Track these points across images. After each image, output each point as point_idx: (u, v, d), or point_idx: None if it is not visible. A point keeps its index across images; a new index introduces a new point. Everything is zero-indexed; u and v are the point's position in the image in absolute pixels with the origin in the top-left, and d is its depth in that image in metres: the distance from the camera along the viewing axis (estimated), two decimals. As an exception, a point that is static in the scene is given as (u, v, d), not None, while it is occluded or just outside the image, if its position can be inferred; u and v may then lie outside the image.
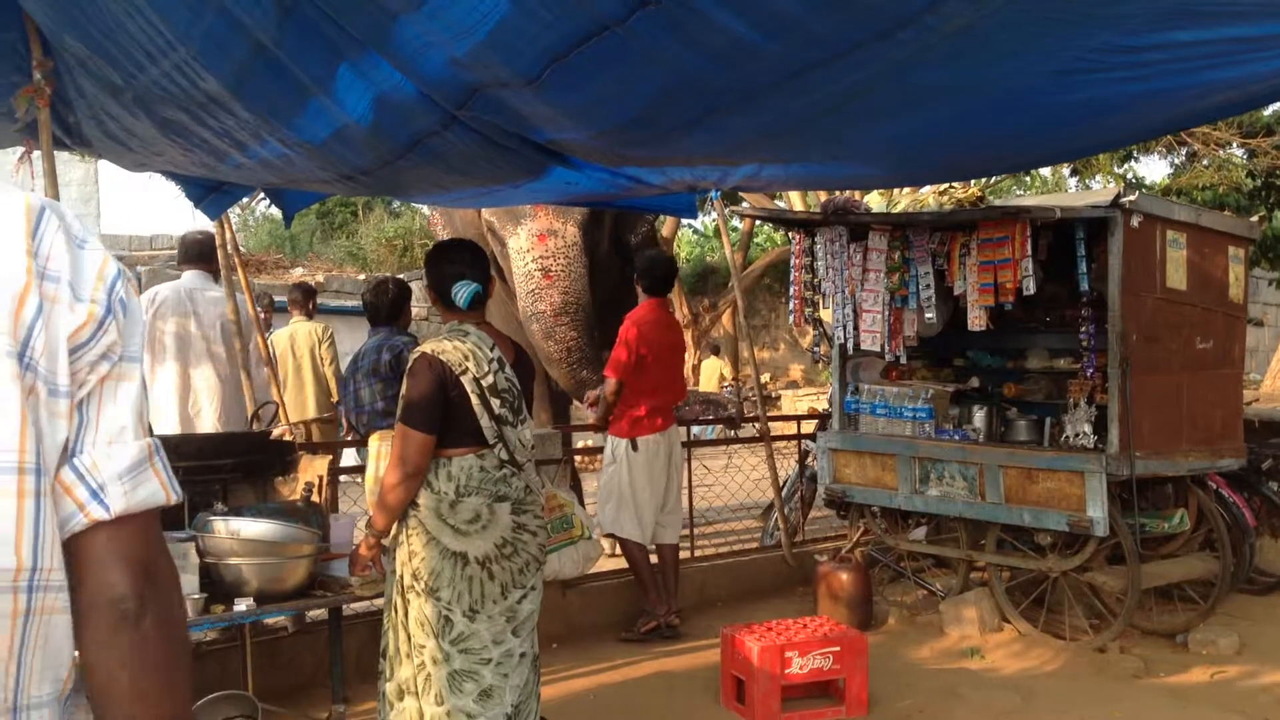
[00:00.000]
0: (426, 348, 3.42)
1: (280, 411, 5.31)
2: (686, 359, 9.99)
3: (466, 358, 3.37)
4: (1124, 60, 2.34)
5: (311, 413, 7.83)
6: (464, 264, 3.54)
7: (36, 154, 3.36)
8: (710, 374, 17.78)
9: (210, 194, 4.77)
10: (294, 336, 8.12)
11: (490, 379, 3.38)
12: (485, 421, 3.36)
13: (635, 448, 5.87)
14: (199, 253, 5.62)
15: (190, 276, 5.59)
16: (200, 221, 5.73)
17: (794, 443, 7.84)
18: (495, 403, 3.38)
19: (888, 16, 2.11)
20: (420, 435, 3.33)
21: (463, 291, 3.46)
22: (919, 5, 2.03)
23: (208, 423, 5.45)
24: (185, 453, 4.24)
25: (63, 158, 4.04)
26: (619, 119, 2.90)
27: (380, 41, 2.56)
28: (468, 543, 3.35)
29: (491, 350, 3.44)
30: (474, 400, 3.35)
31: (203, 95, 3.05)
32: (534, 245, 6.77)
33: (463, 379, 3.34)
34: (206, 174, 4.28)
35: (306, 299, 8.45)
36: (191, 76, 2.92)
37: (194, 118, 3.26)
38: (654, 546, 6.04)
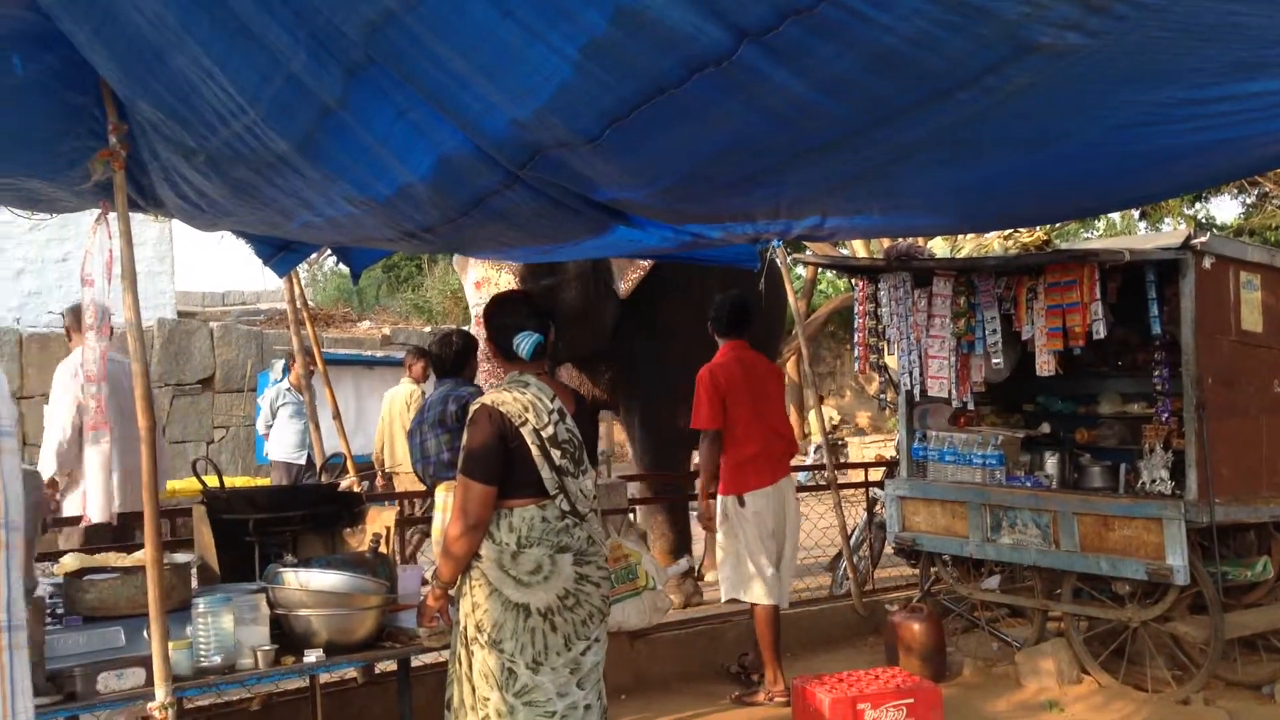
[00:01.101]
0: (486, 399, 3.44)
1: (348, 463, 5.36)
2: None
3: (526, 409, 3.38)
4: (1191, 112, 2.31)
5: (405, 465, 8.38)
6: (523, 315, 3.58)
7: (112, 215, 3.45)
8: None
9: (279, 252, 4.86)
10: (394, 398, 9.54)
11: (550, 430, 3.39)
12: (546, 473, 3.36)
13: (742, 504, 5.58)
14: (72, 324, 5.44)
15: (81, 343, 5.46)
16: (269, 278, 5.82)
17: (861, 490, 7.76)
18: (556, 454, 3.38)
19: (949, 78, 2.10)
20: (481, 487, 3.34)
21: (525, 343, 3.49)
22: (980, 67, 2.03)
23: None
24: (257, 504, 4.30)
25: (138, 218, 4.16)
26: (678, 177, 2.92)
27: (443, 103, 2.61)
28: (530, 594, 3.34)
29: (552, 401, 3.45)
30: (534, 451, 3.35)
31: (272, 155, 3.12)
32: (473, 292, 6.91)
33: (523, 430, 3.35)
34: (275, 233, 4.37)
35: (415, 361, 9.57)
36: (261, 138, 2.99)
37: (263, 178, 3.34)
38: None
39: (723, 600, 5.81)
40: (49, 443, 5.20)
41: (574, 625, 3.39)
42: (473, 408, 3.46)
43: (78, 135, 3.25)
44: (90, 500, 3.68)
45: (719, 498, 5.65)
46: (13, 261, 13.46)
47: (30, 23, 2.80)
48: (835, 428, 18.64)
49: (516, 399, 3.40)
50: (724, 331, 5.78)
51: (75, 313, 5.53)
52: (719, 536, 5.70)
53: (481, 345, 5.49)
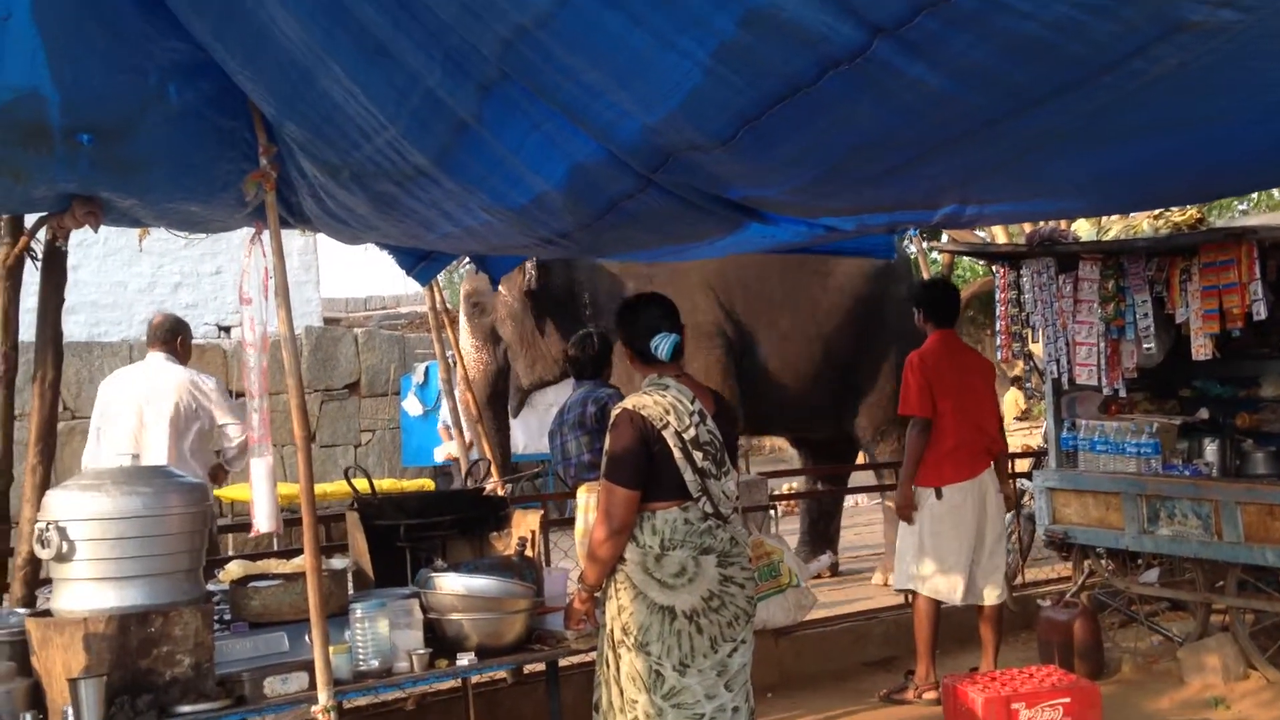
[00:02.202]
0: (628, 403, 3.46)
1: (493, 468, 5.47)
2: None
3: (667, 411, 3.38)
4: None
5: None
6: (659, 316, 3.58)
7: (265, 234, 3.59)
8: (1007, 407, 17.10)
9: (420, 262, 4.98)
10: None
11: (692, 432, 3.38)
12: (689, 475, 3.36)
13: (939, 496, 5.41)
14: (160, 335, 5.60)
15: (151, 357, 5.61)
16: (409, 283, 5.95)
17: (1009, 481, 7.56)
18: (698, 455, 3.37)
19: (1093, 63, 2.03)
20: (624, 491, 3.36)
21: (664, 344, 3.48)
22: (1126, 50, 1.95)
23: None
24: (408, 509, 4.42)
25: (285, 232, 4.31)
26: (812, 175, 2.89)
27: (576, 113, 2.64)
28: (675, 596, 3.35)
29: (692, 403, 3.44)
30: (677, 454, 3.35)
31: (411, 169, 3.20)
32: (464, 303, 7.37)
33: (664, 433, 3.35)
34: (415, 244, 4.48)
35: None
36: (401, 152, 3.08)
37: (404, 190, 3.43)
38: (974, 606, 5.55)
39: (895, 589, 5.73)
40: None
41: (720, 627, 3.38)
42: (614, 412, 3.48)
43: (230, 159, 3.38)
44: (258, 510, 3.83)
45: (919, 489, 5.50)
46: (171, 276, 14.11)
47: (184, 54, 2.93)
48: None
49: (657, 402, 3.41)
50: (936, 320, 5.61)
51: (160, 327, 5.66)
52: (902, 526, 5.59)
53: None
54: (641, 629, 3.34)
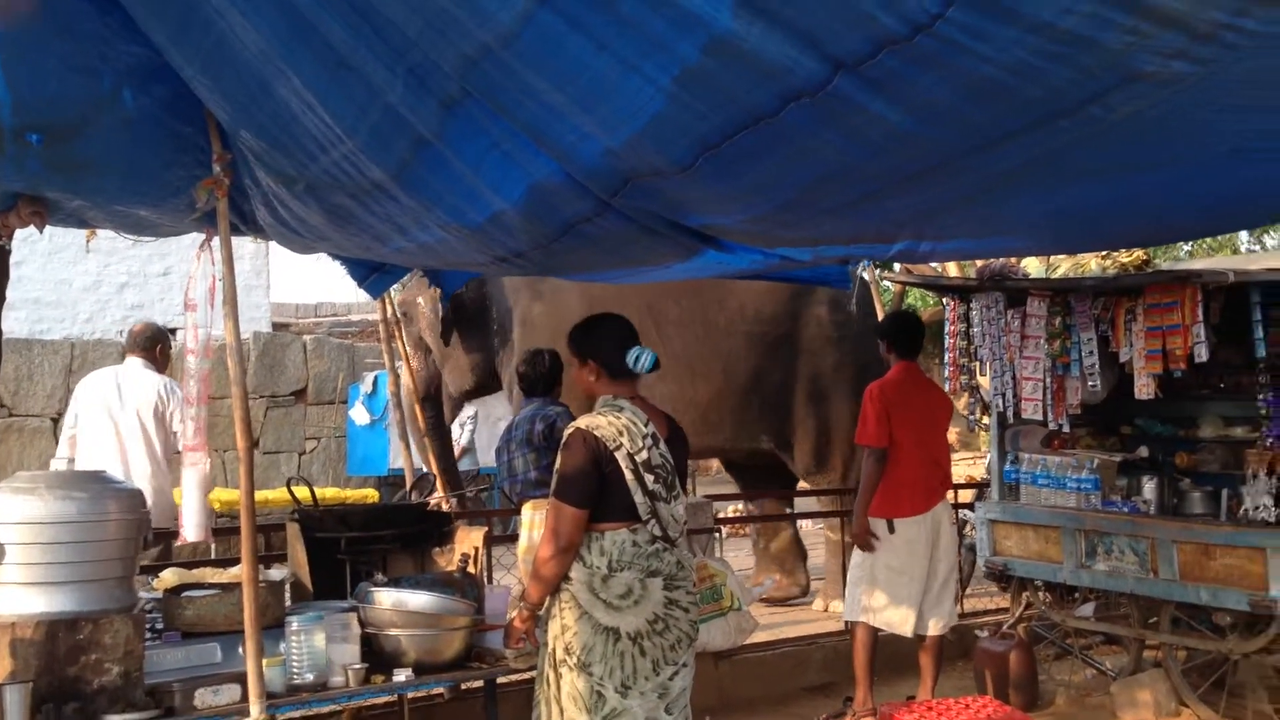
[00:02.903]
0: (581, 422, 3.44)
1: (439, 483, 5.43)
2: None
3: (621, 433, 3.37)
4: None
5: None
6: (629, 332, 3.57)
7: (215, 241, 3.54)
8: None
9: (372, 274, 4.94)
10: None
11: (644, 454, 3.38)
12: (639, 497, 3.35)
13: (892, 529, 5.39)
14: (140, 343, 5.68)
15: (129, 363, 5.65)
16: (361, 291, 5.91)
17: (952, 513, 7.62)
18: (649, 478, 3.37)
19: (1050, 107, 2.06)
20: (573, 510, 3.34)
21: (644, 357, 3.47)
22: (1082, 96, 1.98)
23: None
24: (350, 523, 4.37)
25: (236, 238, 4.27)
26: (771, 205, 2.90)
27: (537, 133, 2.63)
28: (620, 618, 3.34)
29: (646, 425, 3.43)
30: (628, 475, 3.34)
31: (368, 183, 3.17)
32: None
33: (617, 454, 3.34)
34: (369, 256, 4.44)
35: None
36: (358, 166, 3.05)
37: (360, 204, 3.40)
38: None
39: (845, 620, 5.69)
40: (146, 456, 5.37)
41: (663, 650, 3.37)
42: (567, 431, 3.47)
43: (184, 164, 3.34)
44: (186, 520, 3.78)
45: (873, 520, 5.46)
46: (117, 276, 13.90)
47: (140, 57, 2.89)
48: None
49: (611, 423, 3.40)
50: (900, 352, 5.60)
51: (141, 335, 5.67)
52: (854, 556, 5.57)
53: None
54: (585, 649, 3.32)
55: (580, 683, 3.32)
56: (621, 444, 3.36)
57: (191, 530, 3.74)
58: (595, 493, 3.34)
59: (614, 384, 3.53)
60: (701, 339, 7.48)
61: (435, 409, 8.89)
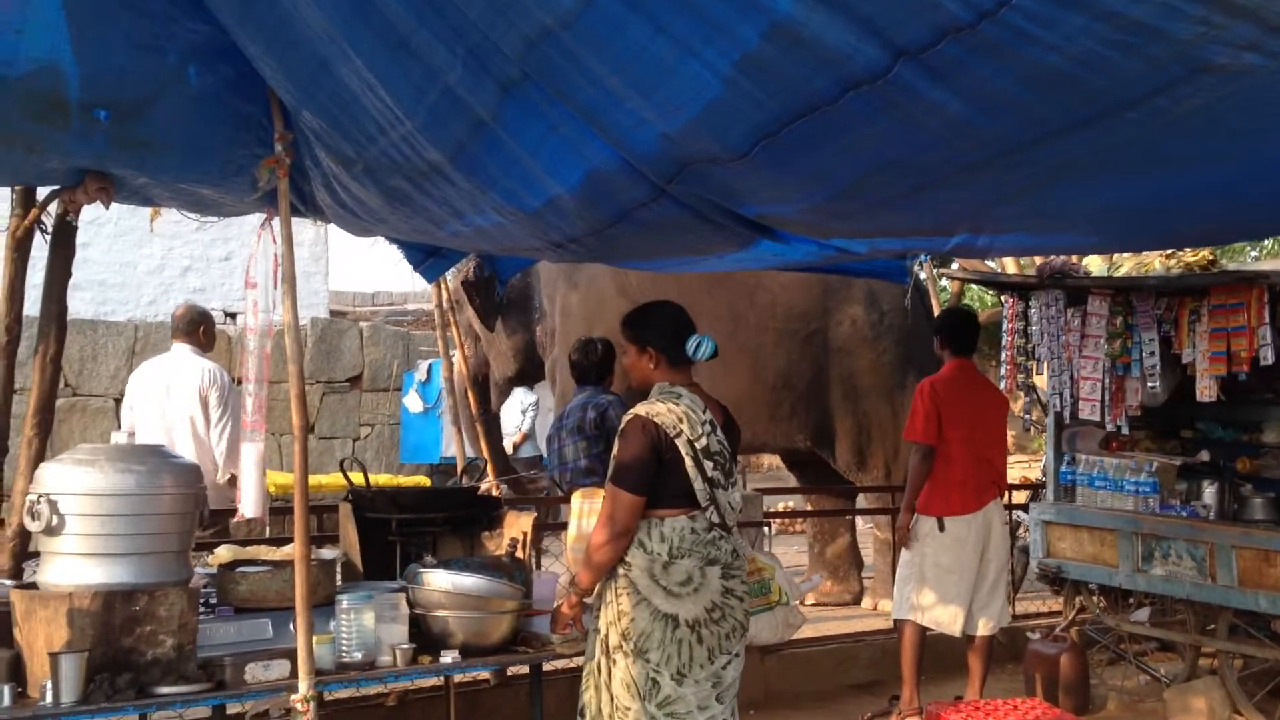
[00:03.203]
0: (640, 409, 3.44)
1: (489, 468, 5.46)
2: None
3: (681, 420, 3.37)
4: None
5: None
6: (686, 319, 3.57)
7: (276, 220, 3.58)
8: None
9: (429, 259, 4.98)
10: None
11: (704, 441, 3.39)
12: (698, 484, 3.36)
13: (942, 528, 5.32)
14: (182, 327, 5.69)
15: (175, 349, 5.68)
16: (417, 280, 5.95)
17: (1005, 513, 7.54)
18: (708, 465, 3.38)
19: (1116, 98, 2.03)
20: (630, 497, 3.35)
21: (705, 345, 3.48)
22: (1149, 87, 1.95)
23: None
24: (402, 504, 4.41)
25: (296, 221, 4.31)
26: (827, 194, 2.88)
27: (594, 118, 2.63)
28: (679, 605, 3.34)
29: (704, 413, 3.45)
30: (688, 462, 3.35)
31: (425, 165, 3.20)
32: None
33: (677, 441, 3.35)
34: (425, 240, 4.47)
35: None
36: (416, 148, 3.07)
37: (417, 187, 3.42)
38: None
39: (893, 619, 5.62)
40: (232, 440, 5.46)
41: (719, 638, 3.38)
42: (626, 418, 3.47)
43: (246, 144, 3.38)
44: (245, 496, 3.82)
45: (916, 516, 5.42)
46: (180, 259, 14.10)
47: (206, 35, 2.93)
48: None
49: (671, 410, 3.40)
50: (954, 349, 5.54)
51: (183, 319, 5.72)
52: (903, 554, 5.53)
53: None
54: (642, 635, 3.33)
55: (635, 669, 3.33)
56: (682, 430, 3.36)
57: (249, 506, 3.78)
58: (652, 480, 3.35)
59: (672, 371, 3.54)
60: (731, 334, 7.40)
61: (482, 395, 9.00)
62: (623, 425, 3.46)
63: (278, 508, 5.59)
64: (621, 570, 3.39)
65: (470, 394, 6.11)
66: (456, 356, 6.16)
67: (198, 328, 5.71)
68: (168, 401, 5.47)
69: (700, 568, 3.36)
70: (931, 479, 5.36)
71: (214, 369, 5.60)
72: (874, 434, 7.72)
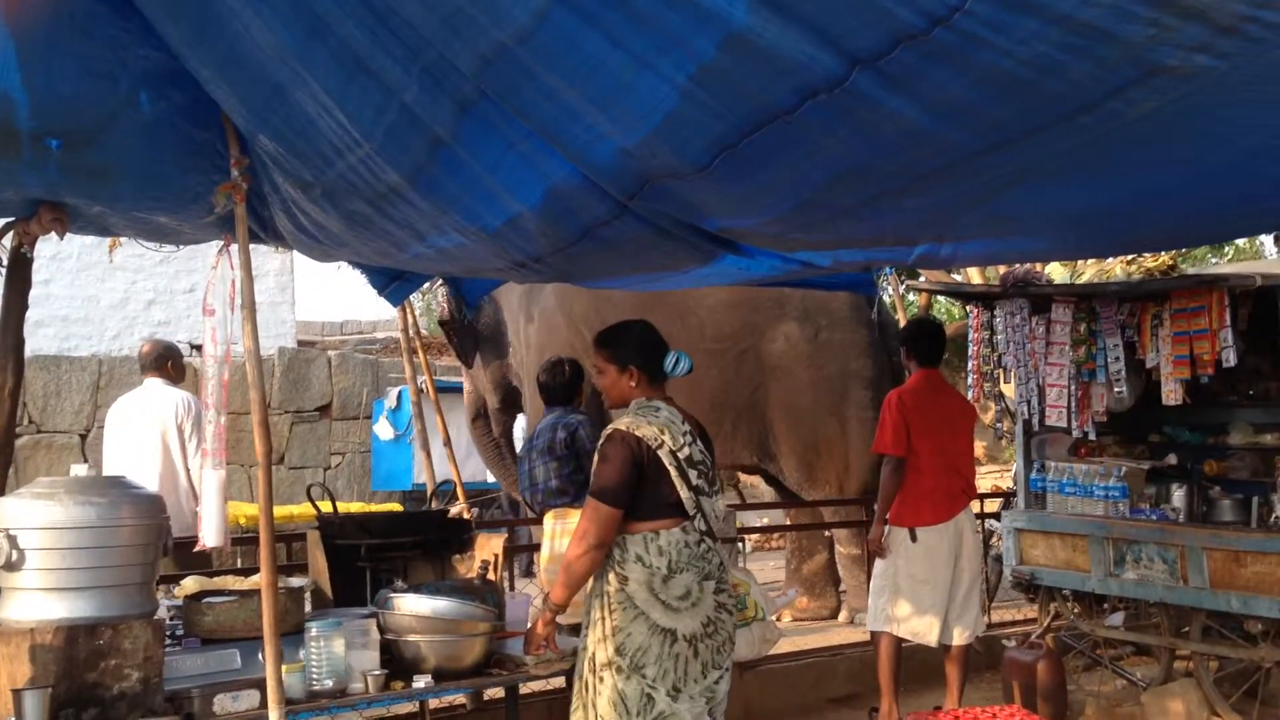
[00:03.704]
0: (620, 424, 3.47)
1: (458, 490, 5.43)
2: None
3: (661, 431, 3.42)
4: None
5: None
6: (660, 337, 3.65)
7: (234, 247, 3.55)
8: None
9: (393, 282, 4.94)
10: None
11: (686, 451, 3.43)
12: (684, 493, 3.39)
13: (914, 538, 5.32)
14: (150, 363, 5.74)
15: (148, 383, 5.71)
16: (385, 308, 5.93)
17: (976, 522, 7.56)
18: (692, 474, 3.42)
19: (1070, 102, 2.04)
20: (608, 510, 3.37)
21: (683, 362, 3.56)
22: (1103, 91, 1.96)
23: None
24: (370, 530, 4.37)
25: (261, 250, 4.27)
26: (789, 205, 2.88)
27: (553, 134, 2.62)
28: (678, 619, 3.35)
29: (683, 424, 3.49)
30: (672, 472, 3.38)
31: (384, 187, 3.18)
32: None
33: (659, 452, 3.38)
34: (388, 263, 4.44)
35: None
36: (374, 170, 3.05)
37: (376, 209, 3.40)
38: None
39: (869, 630, 5.60)
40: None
41: (712, 653, 3.40)
42: (606, 432, 3.50)
43: (202, 170, 3.35)
44: (205, 525, 3.78)
45: (888, 527, 5.42)
46: (144, 293, 13.97)
47: (157, 62, 2.89)
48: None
49: (651, 423, 3.44)
50: (920, 359, 5.53)
51: (150, 355, 5.72)
52: (877, 566, 5.52)
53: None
54: (639, 650, 3.33)
55: (629, 685, 3.31)
56: (663, 441, 3.39)
57: (210, 535, 3.73)
58: (633, 493, 3.37)
59: (650, 389, 3.59)
60: None
61: (485, 428, 9.29)
62: (603, 440, 3.48)
63: (246, 537, 5.53)
64: (616, 585, 3.39)
65: (439, 418, 6.07)
66: (424, 381, 6.12)
67: (165, 362, 5.74)
68: (140, 433, 5.46)
69: (698, 582, 3.39)
70: (902, 490, 5.36)
71: (187, 398, 5.59)
72: (821, 449, 7.77)
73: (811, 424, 7.74)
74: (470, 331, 8.94)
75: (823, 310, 7.66)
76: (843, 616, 7.84)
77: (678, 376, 3.58)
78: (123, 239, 4.24)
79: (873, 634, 5.54)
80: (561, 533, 5.15)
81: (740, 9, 1.86)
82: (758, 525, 9.88)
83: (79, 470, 3.37)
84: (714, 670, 3.40)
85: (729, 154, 2.43)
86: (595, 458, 3.48)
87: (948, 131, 2.24)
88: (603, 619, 3.40)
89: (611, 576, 3.42)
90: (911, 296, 12.43)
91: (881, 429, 5.43)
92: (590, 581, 3.50)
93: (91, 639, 3.08)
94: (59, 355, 12.48)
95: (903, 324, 7.59)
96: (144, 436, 5.46)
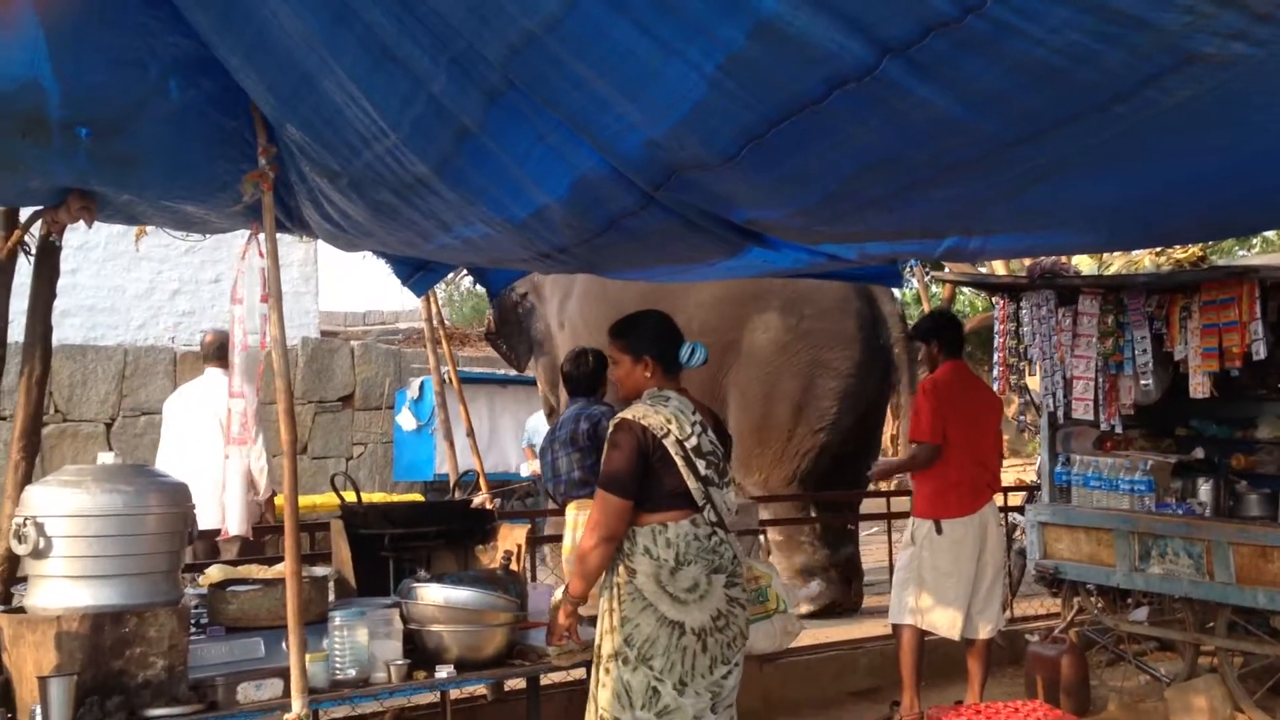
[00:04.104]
0: (628, 414, 3.47)
1: (480, 480, 5.43)
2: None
3: (669, 420, 3.41)
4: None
5: None
6: (676, 328, 3.66)
7: (261, 235, 3.55)
8: None
9: (417, 272, 4.95)
10: None
11: (694, 440, 3.41)
12: (693, 483, 3.38)
13: (939, 530, 5.30)
14: (212, 353, 5.85)
15: (208, 373, 5.82)
16: (408, 298, 5.95)
17: (1000, 515, 7.51)
18: (700, 464, 3.40)
19: (1104, 91, 2.01)
20: (617, 501, 3.37)
21: (699, 353, 3.56)
22: (1137, 79, 1.93)
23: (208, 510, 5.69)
24: (394, 520, 4.38)
25: (285, 240, 4.28)
26: (817, 197, 2.86)
27: (581, 124, 2.61)
28: (686, 612, 3.35)
29: (693, 414, 3.48)
30: (679, 462, 3.37)
31: (411, 178, 3.17)
32: None
33: (665, 441, 3.37)
34: (413, 253, 4.44)
35: None
36: (401, 160, 3.05)
37: (403, 199, 3.40)
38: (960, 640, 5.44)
39: (891, 623, 5.58)
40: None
41: (721, 647, 3.40)
42: (613, 423, 3.49)
43: (229, 158, 3.35)
44: (229, 514, 3.79)
45: (913, 519, 5.45)
46: (169, 283, 14.04)
47: (186, 49, 2.90)
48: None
49: (659, 412, 3.43)
50: (948, 351, 5.53)
51: (212, 345, 5.81)
52: (901, 558, 5.50)
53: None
54: (647, 641, 3.33)
55: (635, 677, 3.32)
56: (670, 430, 3.38)
57: (234, 524, 3.74)
58: (640, 483, 3.37)
59: (665, 379, 3.58)
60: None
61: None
62: (610, 430, 3.48)
63: (269, 527, 5.55)
64: (625, 577, 3.39)
65: (462, 408, 6.08)
66: (447, 371, 6.13)
67: (227, 352, 5.77)
68: (198, 423, 5.62)
69: (706, 575, 3.38)
70: (928, 480, 5.34)
71: None
72: (762, 435, 7.89)
73: (762, 410, 7.83)
74: (524, 335, 9.41)
75: (807, 300, 7.80)
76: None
77: (694, 367, 3.58)
78: (149, 227, 4.26)
79: (894, 627, 5.53)
80: (584, 524, 5.15)
81: (770, -4, 1.85)
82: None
83: (105, 459, 3.38)
84: (722, 665, 3.40)
85: (757, 144, 2.41)
86: (605, 448, 3.48)
87: (979, 121, 2.21)
88: (611, 610, 3.41)
89: (621, 569, 3.43)
90: (935, 288, 12.35)
91: (917, 416, 5.41)
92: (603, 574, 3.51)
93: (117, 627, 3.10)
94: (85, 344, 12.56)
95: (926, 314, 7.55)
96: (201, 426, 5.57)
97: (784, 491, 7.82)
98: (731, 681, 3.43)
